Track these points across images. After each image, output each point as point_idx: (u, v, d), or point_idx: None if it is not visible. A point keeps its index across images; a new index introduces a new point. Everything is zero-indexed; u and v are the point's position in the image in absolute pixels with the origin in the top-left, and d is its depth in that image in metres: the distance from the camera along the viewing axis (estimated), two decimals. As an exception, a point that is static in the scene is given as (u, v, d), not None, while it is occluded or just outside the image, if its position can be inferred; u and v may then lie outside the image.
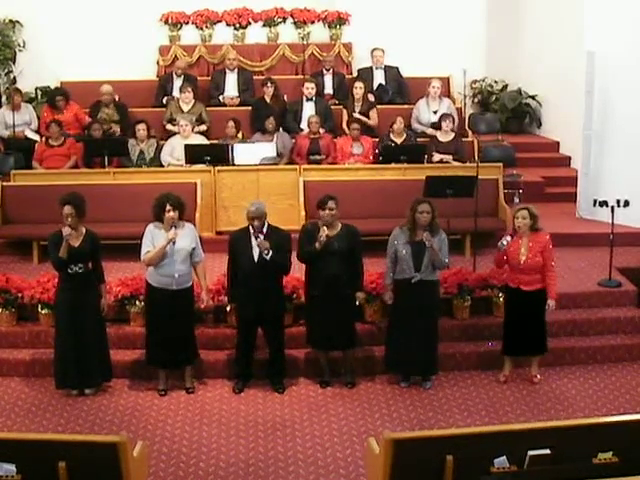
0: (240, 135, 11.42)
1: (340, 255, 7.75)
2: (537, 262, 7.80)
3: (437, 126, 11.47)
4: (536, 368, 8.16)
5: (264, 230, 7.71)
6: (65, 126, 11.32)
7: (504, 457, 5.35)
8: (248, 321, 7.83)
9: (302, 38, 13.65)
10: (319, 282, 7.80)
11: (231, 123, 11.30)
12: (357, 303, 7.99)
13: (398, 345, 7.86)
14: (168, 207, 7.63)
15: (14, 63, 13.29)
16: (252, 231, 7.73)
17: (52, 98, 11.92)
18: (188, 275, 7.77)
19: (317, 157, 11.13)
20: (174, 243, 7.60)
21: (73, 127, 11.74)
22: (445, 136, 11.24)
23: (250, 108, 12.16)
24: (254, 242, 7.70)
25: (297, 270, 8.13)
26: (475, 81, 14.08)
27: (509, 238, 7.82)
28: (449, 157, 11.07)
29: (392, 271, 7.92)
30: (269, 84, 12.12)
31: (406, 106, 12.39)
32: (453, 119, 11.32)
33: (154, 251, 7.62)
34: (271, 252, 7.62)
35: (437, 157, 11.07)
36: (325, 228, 7.72)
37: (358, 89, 11.98)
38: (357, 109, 11.93)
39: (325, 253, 7.72)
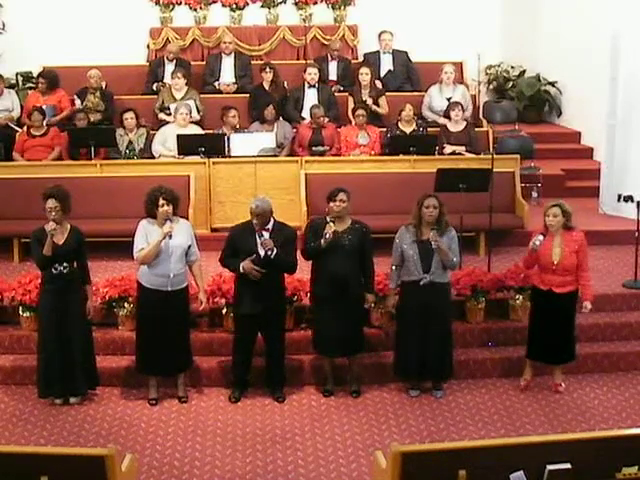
0: (237, 124, 11.39)
1: (348, 253, 7.75)
2: (571, 263, 7.79)
3: (446, 115, 11.45)
4: (560, 376, 8.14)
5: (269, 227, 7.73)
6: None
7: (521, 472, 5.37)
8: (248, 320, 7.79)
9: (304, 20, 13.68)
10: (324, 281, 7.81)
11: (233, 112, 11.20)
12: (366, 306, 7.97)
13: (408, 350, 7.87)
14: (161, 201, 7.63)
15: (-7, 47, 13.33)
16: (256, 227, 7.75)
17: (37, 79, 11.96)
18: (184, 275, 7.78)
19: (320, 148, 11.10)
20: (170, 237, 7.60)
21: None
22: (455, 126, 11.23)
23: (248, 96, 12.17)
24: (258, 239, 7.72)
25: (299, 270, 8.12)
26: (490, 66, 14.11)
27: (541, 238, 7.75)
28: (462, 148, 11.07)
29: (398, 274, 7.92)
30: (268, 70, 12.12)
31: (416, 93, 12.41)
32: (462, 107, 11.29)
33: (149, 247, 7.61)
34: (275, 250, 7.63)
35: (449, 149, 11.05)
36: (332, 225, 7.72)
37: (364, 75, 11.94)
38: (365, 97, 11.88)
39: (332, 250, 7.71)
